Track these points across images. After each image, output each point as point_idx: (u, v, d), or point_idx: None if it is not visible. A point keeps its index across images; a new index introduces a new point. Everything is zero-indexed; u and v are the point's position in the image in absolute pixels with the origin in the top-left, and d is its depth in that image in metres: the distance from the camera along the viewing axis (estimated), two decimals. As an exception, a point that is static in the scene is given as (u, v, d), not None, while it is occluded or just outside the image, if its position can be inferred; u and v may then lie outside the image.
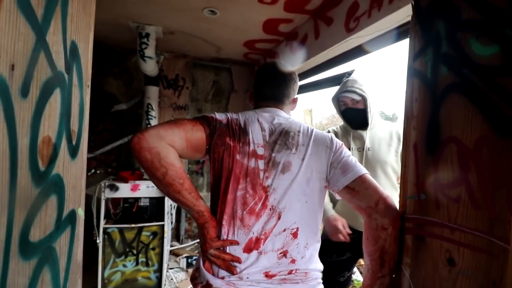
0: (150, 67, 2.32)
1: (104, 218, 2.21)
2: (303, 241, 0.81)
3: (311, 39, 1.83)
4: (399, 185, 0.76)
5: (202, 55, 2.98)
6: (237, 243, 0.79)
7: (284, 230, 0.80)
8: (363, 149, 1.43)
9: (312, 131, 0.90)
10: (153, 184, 2.43)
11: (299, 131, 0.88)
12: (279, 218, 0.80)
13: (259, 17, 1.92)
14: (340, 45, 1.55)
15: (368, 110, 1.39)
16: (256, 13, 1.87)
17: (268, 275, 0.77)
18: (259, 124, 0.87)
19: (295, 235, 0.81)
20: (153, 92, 2.76)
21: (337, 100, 1.51)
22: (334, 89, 1.61)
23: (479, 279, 0.50)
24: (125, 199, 2.28)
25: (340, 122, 1.63)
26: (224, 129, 0.85)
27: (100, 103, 2.94)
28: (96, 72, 2.95)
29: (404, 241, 0.66)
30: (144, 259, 2.28)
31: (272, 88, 0.97)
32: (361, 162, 1.41)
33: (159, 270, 2.31)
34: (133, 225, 2.22)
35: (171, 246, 2.93)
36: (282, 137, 0.86)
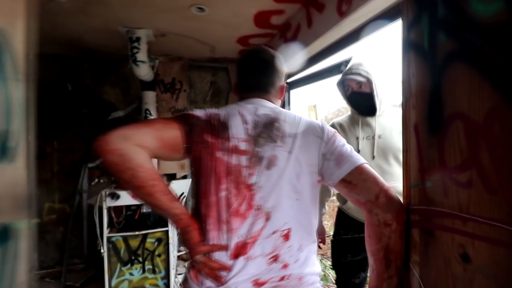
0: (143, 71, 2.28)
1: (108, 227, 2.19)
2: (296, 243, 0.74)
3: (304, 29, 1.75)
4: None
5: (197, 56, 2.94)
6: (226, 248, 0.72)
7: (274, 232, 0.73)
8: (373, 137, 1.35)
9: (300, 119, 0.83)
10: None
11: (285, 121, 0.80)
12: (267, 219, 0.73)
13: (249, 10, 1.85)
14: (334, 31, 1.47)
15: (375, 93, 1.31)
16: (245, 6, 1.81)
17: (257, 283, 0.71)
18: (241, 117, 0.80)
19: (286, 237, 0.74)
20: (150, 97, 2.73)
21: (343, 85, 1.44)
22: (334, 80, 1.54)
23: (500, 278, 0.42)
24: (128, 207, 2.25)
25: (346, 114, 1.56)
26: (203, 125, 0.79)
27: (98, 112, 2.93)
28: (92, 81, 2.94)
29: (411, 236, 0.58)
30: (150, 266, 2.24)
31: (255, 78, 0.90)
32: (372, 151, 1.34)
33: (167, 276, 2.27)
34: (137, 233, 2.19)
35: (179, 251, 2.89)
36: (266, 129, 0.79)
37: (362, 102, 1.36)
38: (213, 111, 0.83)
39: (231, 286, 0.70)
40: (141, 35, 2.15)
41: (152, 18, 1.97)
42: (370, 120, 1.38)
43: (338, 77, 1.49)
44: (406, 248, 0.60)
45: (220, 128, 0.78)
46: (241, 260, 0.71)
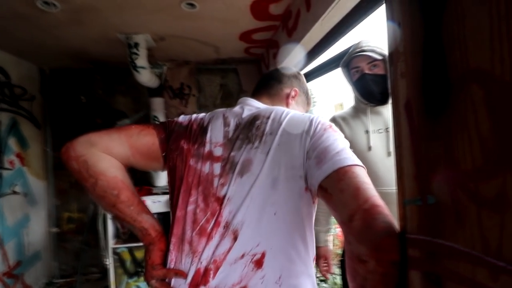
0: (145, 77, 2.23)
1: (114, 238, 2.14)
2: (272, 274, 0.57)
3: (304, 13, 1.55)
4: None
5: (203, 59, 2.85)
6: (183, 274, 0.61)
7: (243, 256, 0.58)
8: (387, 129, 1.10)
9: (288, 113, 0.67)
10: (159, 199, 2.32)
11: (268, 117, 0.68)
12: (235, 238, 0.59)
13: (242, 1, 1.69)
14: (335, 10, 1.25)
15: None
16: (238, -4, 1.65)
17: None
18: (223, 120, 0.72)
19: (258, 263, 0.57)
20: (157, 103, 2.69)
21: (348, 68, 1.20)
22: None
23: None
24: (133, 217, 2.18)
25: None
26: (182, 131, 0.73)
27: (111, 121, 2.95)
28: (104, 92, 2.99)
29: (409, 282, 0.36)
30: (157, 279, 2.14)
31: (261, 82, 0.88)
32: (387, 146, 1.08)
33: None
34: (142, 244, 2.11)
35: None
36: (245, 129, 0.68)
37: (374, 86, 1.10)
38: (199, 115, 0.77)
39: None
40: (139, 41, 2.10)
41: (144, 21, 1.90)
42: (381, 109, 1.12)
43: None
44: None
45: (198, 133, 0.72)
46: None
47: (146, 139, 0.71)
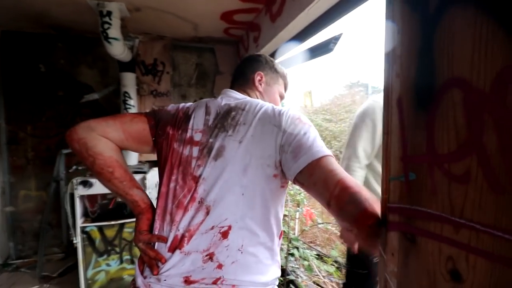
0: (117, 50, 2.09)
1: (82, 217, 2.07)
2: (235, 243, 0.68)
3: (290, 0, 1.58)
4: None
5: (180, 36, 2.74)
6: (164, 239, 0.72)
7: (212, 228, 0.69)
8: None
9: (262, 107, 0.76)
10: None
11: (243, 109, 0.77)
12: (207, 213, 0.70)
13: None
14: (323, 0, 1.30)
15: None
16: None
17: (188, 281, 0.69)
18: (205, 109, 0.81)
19: (224, 234, 0.69)
20: (129, 79, 2.55)
21: None
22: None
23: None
24: (103, 196, 2.12)
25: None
26: (169, 118, 0.82)
27: (74, 95, 2.74)
28: (67, 62, 2.74)
29: (388, 240, 0.46)
30: (129, 257, 2.15)
31: (234, 74, 0.95)
32: None
33: (146, 267, 2.19)
34: (113, 222, 2.07)
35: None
36: (222, 119, 0.77)
37: None
38: (186, 105, 0.86)
39: (162, 278, 0.70)
40: (112, 9, 1.95)
41: (121, -13, 1.77)
42: None
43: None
44: (382, 256, 0.47)
45: (183, 120, 0.80)
46: (177, 254, 0.70)
47: (138, 126, 0.81)
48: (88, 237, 2.05)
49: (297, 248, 2.06)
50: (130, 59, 2.43)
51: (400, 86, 0.43)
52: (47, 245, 2.63)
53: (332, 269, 2.00)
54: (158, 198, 0.77)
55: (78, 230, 2.01)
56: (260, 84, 0.92)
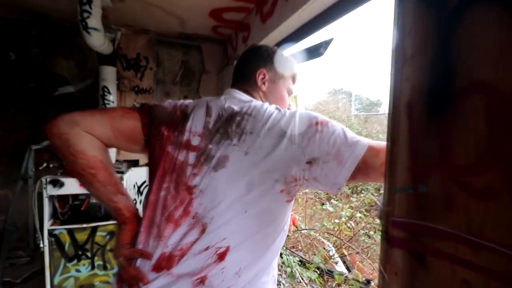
0: (96, 41, 1.97)
1: (51, 219, 1.91)
2: (233, 266, 0.60)
3: (282, 1, 1.54)
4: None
5: (165, 31, 2.64)
6: (148, 256, 0.63)
7: (207, 248, 0.61)
8: None
9: (270, 114, 0.67)
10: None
11: (250, 115, 0.68)
12: (203, 230, 0.61)
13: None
14: (316, 3, 1.27)
15: None
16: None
17: None
18: (206, 109, 0.73)
19: (221, 256, 0.60)
20: (109, 73, 2.42)
21: None
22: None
23: None
24: (75, 196, 1.97)
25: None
26: (164, 117, 0.74)
27: (48, 87, 2.56)
28: (41, 51, 2.56)
29: (391, 257, 0.42)
30: (101, 262, 2.01)
31: (234, 71, 0.87)
32: None
33: (120, 274, 2.06)
34: (84, 225, 1.93)
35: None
36: (225, 124, 0.68)
37: None
38: (185, 102, 0.78)
39: None
40: (93, -3, 1.83)
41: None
42: None
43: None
44: (383, 276, 0.43)
45: (180, 120, 0.72)
46: (163, 275, 0.61)
47: (129, 122, 0.72)
48: (56, 241, 1.90)
49: (281, 254, 2.01)
50: (111, 51, 2.30)
51: (410, 90, 0.40)
52: (11, 248, 2.42)
53: (314, 275, 1.97)
54: (145, 208, 0.69)
55: (46, 233, 1.85)
56: (264, 84, 0.82)
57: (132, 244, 0.68)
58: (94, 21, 1.87)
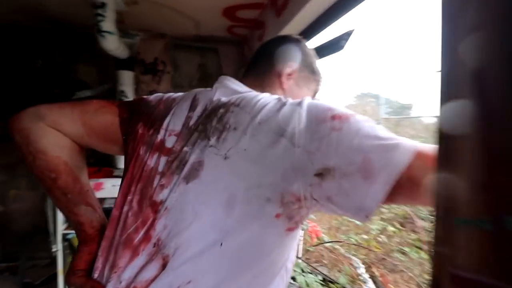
0: (111, 44, 1.96)
1: (65, 223, 1.90)
2: None
3: (297, -10, 1.40)
4: None
5: (181, 34, 2.60)
6: None
7: None
8: None
9: (265, 103, 0.49)
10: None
11: (237, 105, 0.51)
12: (163, 266, 0.45)
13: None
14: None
15: None
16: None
17: None
18: (191, 102, 0.59)
19: None
20: (126, 77, 2.43)
21: None
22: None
23: None
24: (90, 201, 1.95)
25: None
26: (145, 112, 0.62)
27: (70, 92, 2.62)
28: (65, 58, 2.64)
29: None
30: (113, 270, 1.95)
31: (251, 58, 0.72)
32: None
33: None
34: (97, 232, 1.89)
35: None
36: (206, 119, 0.54)
37: None
38: (174, 94, 0.65)
39: None
40: (106, 1, 1.81)
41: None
42: None
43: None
44: None
45: (160, 115, 0.60)
46: None
47: (103, 118, 0.62)
48: (70, 245, 1.88)
49: (302, 270, 1.81)
50: (128, 56, 2.30)
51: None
52: (34, 249, 2.48)
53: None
54: (107, 225, 0.56)
55: (59, 237, 1.84)
56: (289, 80, 0.65)
57: (87, 270, 0.55)
58: (108, 24, 1.86)
